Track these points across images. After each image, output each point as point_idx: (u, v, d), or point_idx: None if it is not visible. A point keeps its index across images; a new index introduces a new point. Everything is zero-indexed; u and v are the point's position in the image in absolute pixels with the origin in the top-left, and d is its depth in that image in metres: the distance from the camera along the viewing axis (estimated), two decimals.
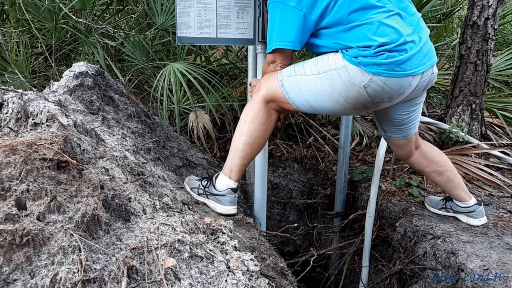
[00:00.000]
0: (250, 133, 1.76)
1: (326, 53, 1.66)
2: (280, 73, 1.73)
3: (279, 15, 1.61)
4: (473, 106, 2.78)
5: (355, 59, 1.55)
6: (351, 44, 1.57)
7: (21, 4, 2.72)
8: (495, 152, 2.81)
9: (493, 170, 2.67)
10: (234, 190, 1.83)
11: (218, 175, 1.87)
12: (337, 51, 1.62)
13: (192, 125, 2.78)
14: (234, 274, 1.22)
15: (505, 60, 3.30)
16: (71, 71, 2.00)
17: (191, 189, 1.90)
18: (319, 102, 1.67)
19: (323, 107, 1.69)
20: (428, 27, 1.74)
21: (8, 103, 1.42)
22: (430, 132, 3.00)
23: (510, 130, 3.08)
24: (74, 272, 1.00)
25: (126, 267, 1.08)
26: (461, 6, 4.11)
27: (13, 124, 1.38)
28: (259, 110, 1.75)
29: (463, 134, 2.67)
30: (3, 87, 1.50)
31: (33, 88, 2.61)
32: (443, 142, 2.74)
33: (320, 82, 1.63)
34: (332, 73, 1.60)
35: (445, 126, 2.73)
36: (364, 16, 1.55)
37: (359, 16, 1.55)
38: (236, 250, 1.39)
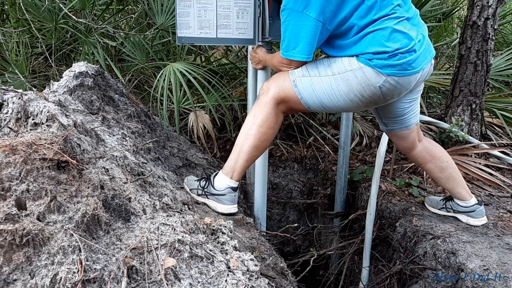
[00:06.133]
0: (259, 136, 1.77)
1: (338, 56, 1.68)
2: (292, 73, 1.74)
3: (298, 25, 1.59)
4: (473, 106, 2.78)
5: (370, 62, 1.59)
6: (366, 50, 1.60)
7: (21, 4, 2.72)
8: (495, 152, 2.81)
9: (493, 170, 2.67)
10: (234, 189, 1.83)
11: (216, 174, 1.87)
12: (351, 55, 1.64)
13: (192, 125, 2.78)
14: (234, 274, 1.22)
15: (505, 60, 3.30)
16: (71, 71, 2.00)
17: (190, 190, 1.90)
18: (332, 102, 1.71)
19: (336, 105, 1.72)
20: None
21: (8, 103, 1.42)
22: (430, 132, 3.00)
23: (510, 130, 3.08)
24: (74, 272, 1.00)
25: (126, 267, 1.08)
26: (461, 6, 4.11)
27: (13, 124, 1.38)
28: (269, 113, 1.75)
29: (463, 133, 2.67)
30: (3, 87, 1.50)
31: (33, 88, 2.61)
32: (443, 142, 2.74)
33: (335, 83, 1.66)
34: (348, 74, 1.63)
35: (445, 125, 2.73)
36: (376, 23, 1.59)
37: (372, 24, 1.59)
38: (236, 250, 1.39)
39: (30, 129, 1.37)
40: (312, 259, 2.21)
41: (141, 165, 1.69)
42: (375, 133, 3.21)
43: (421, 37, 1.67)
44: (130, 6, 3.62)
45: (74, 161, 1.27)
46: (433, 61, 1.76)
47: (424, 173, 2.68)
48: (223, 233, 1.45)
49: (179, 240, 1.23)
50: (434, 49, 1.77)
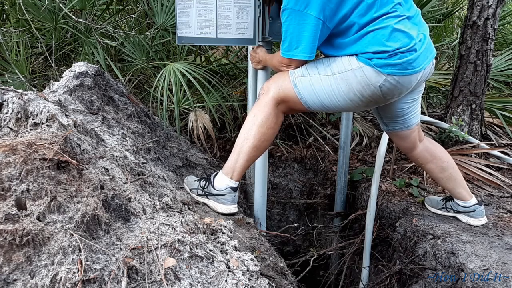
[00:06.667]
0: (259, 137, 1.76)
1: (338, 56, 1.68)
2: (292, 73, 1.73)
3: (299, 24, 1.59)
4: (473, 106, 2.78)
5: (370, 61, 1.59)
6: (366, 50, 1.60)
7: (21, 4, 2.72)
8: (495, 152, 2.81)
9: (493, 170, 2.67)
10: (234, 189, 1.83)
11: (216, 174, 1.87)
12: (351, 55, 1.64)
13: (192, 125, 2.78)
14: (234, 274, 1.22)
15: (505, 60, 3.30)
16: (71, 71, 2.00)
17: (190, 190, 1.90)
18: (333, 101, 1.70)
19: (336, 105, 1.72)
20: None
21: (8, 103, 1.42)
22: (430, 132, 3.00)
23: (510, 130, 3.08)
24: (74, 272, 1.00)
25: (126, 267, 1.08)
26: (461, 6, 4.11)
27: (13, 124, 1.38)
28: (269, 114, 1.75)
29: (463, 133, 2.67)
30: (3, 87, 1.50)
31: (33, 88, 2.61)
32: (443, 142, 2.74)
33: (335, 83, 1.66)
34: (348, 74, 1.63)
35: (445, 125, 2.73)
36: (377, 21, 1.58)
37: (372, 22, 1.59)
38: (236, 250, 1.39)
39: (30, 129, 1.37)
40: (312, 259, 2.21)
41: (141, 165, 1.69)
42: (375, 133, 3.21)
43: (422, 36, 1.66)
44: (130, 6, 3.62)
45: (74, 161, 1.27)
46: (434, 61, 1.76)
47: (424, 173, 2.68)
48: (223, 233, 1.45)
49: (179, 240, 1.23)
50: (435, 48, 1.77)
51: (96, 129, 1.70)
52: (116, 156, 1.57)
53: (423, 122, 2.81)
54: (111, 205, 1.27)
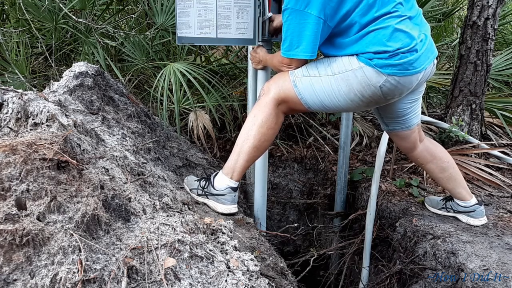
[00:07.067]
0: (259, 137, 1.76)
1: (338, 55, 1.68)
2: (292, 74, 1.73)
3: (300, 23, 1.59)
4: (473, 106, 2.78)
5: (371, 61, 1.59)
6: (367, 50, 1.59)
7: (21, 4, 2.72)
8: (495, 152, 2.81)
9: (493, 170, 2.67)
10: (234, 189, 1.83)
11: (216, 174, 1.87)
12: (351, 54, 1.64)
13: (192, 125, 2.78)
14: (234, 274, 1.22)
15: (505, 60, 3.30)
16: (71, 71, 2.00)
17: (190, 190, 1.90)
18: (333, 102, 1.70)
19: (336, 105, 1.72)
20: None
21: (8, 103, 1.42)
22: (430, 132, 3.00)
23: (510, 130, 3.08)
24: (74, 272, 1.00)
25: (126, 267, 1.08)
26: (461, 6, 4.11)
27: (13, 124, 1.38)
28: (269, 114, 1.75)
29: (463, 133, 2.67)
30: (3, 87, 1.50)
31: (33, 88, 2.61)
32: (443, 142, 2.74)
33: (335, 83, 1.66)
34: (348, 74, 1.63)
35: (445, 125, 2.73)
36: (378, 21, 1.58)
37: (373, 21, 1.58)
38: (236, 250, 1.39)
39: (30, 129, 1.37)
40: (312, 259, 2.21)
41: (141, 165, 1.69)
42: (375, 133, 3.21)
43: (423, 36, 1.66)
44: (130, 6, 3.62)
45: (74, 161, 1.27)
46: (435, 61, 1.75)
47: (424, 173, 2.68)
48: (223, 233, 1.45)
49: (179, 240, 1.23)
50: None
51: (96, 129, 1.70)
52: (116, 156, 1.57)
53: (423, 122, 2.80)
54: (111, 205, 1.27)
